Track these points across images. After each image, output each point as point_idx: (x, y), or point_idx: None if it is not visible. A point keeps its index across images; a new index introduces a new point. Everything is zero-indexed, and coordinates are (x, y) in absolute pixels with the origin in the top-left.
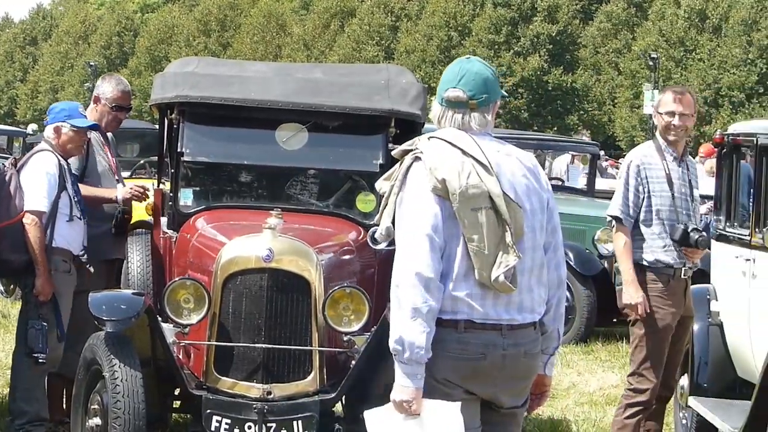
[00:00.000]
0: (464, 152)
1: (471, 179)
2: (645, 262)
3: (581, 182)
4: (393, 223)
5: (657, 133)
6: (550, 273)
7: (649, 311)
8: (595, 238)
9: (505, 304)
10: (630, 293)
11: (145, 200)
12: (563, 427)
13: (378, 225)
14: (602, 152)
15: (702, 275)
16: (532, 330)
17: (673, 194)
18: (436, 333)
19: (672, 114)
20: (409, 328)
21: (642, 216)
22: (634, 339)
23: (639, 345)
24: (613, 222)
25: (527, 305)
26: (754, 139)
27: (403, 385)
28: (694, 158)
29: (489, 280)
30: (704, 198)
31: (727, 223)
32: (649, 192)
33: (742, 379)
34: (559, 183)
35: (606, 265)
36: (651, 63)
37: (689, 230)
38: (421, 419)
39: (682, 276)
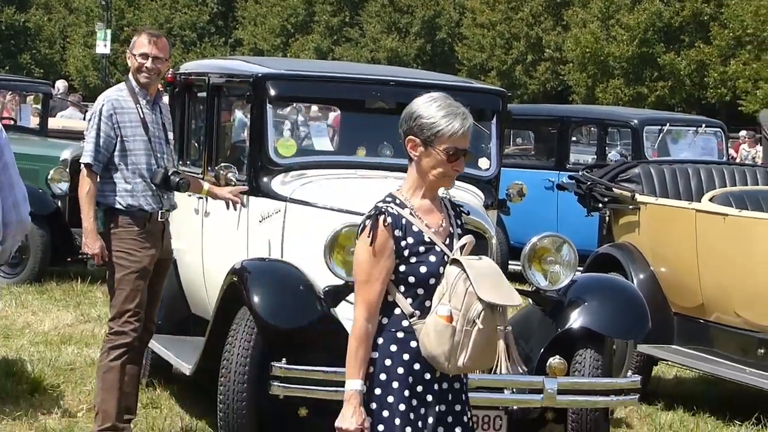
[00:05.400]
0: None
1: None
2: (119, 206)
3: (34, 122)
4: None
5: (130, 75)
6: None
7: (124, 254)
8: (48, 177)
9: None
10: (89, 243)
11: None
12: (18, 367)
13: None
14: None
15: None
16: None
17: (148, 138)
18: None
19: (146, 56)
20: None
21: (116, 161)
22: (112, 283)
23: (118, 289)
24: (82, 167)
25: None
26: (206, 78)
27: None
28: None
29: None
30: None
31: (180, 162)
32: (122, 136)
33: (196, 316)
34: (12, 123)
35: (60, 204)
36: (104, 2)
37: (170, 174)
38: None
39: (159, 219)
